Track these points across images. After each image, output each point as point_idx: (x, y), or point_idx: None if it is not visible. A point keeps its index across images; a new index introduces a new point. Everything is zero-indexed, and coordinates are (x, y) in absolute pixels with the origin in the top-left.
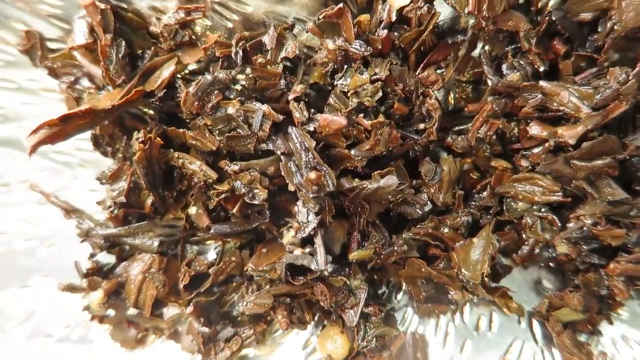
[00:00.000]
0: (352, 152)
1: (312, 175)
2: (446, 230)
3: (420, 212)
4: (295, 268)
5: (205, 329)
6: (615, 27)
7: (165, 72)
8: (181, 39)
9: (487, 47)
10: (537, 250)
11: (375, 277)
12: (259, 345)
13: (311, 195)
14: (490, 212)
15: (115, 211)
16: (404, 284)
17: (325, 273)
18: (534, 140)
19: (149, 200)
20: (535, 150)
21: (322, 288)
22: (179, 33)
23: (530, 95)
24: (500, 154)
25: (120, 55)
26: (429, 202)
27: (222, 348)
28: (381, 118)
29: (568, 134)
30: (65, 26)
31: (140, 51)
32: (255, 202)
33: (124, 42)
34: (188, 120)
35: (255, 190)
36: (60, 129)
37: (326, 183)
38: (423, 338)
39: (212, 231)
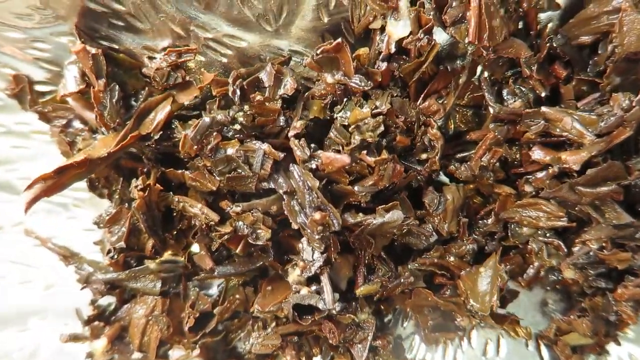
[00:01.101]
0: (356, 188)
1: (317, 216)
2: (452, 258)
3: (425, 243)
4: (303, 307)
5: None
6: (616, 50)
7: (161, 113)
8: (174, 80)
9: (486, 73)
10: (542, 273)
11: (382, 307)
12: None
13: (316, 236)
14: (495, 237)
15: (115, 256)
16: (410, 311)
17: (333, 312)
18: (536, 165)
19: (150, 243)
20: (539, 175)
21: (330, 326)
22: (172, 75)
23: (532, 121)
24: (503, 179)
25: (114, 100)
26: (434, 233)
27: None
28: (385, 154)
29: (572, 159)
30: (54, 69)
31: (133, 91)
32: (259, 242)
33: (117, 86)
34: (186, 160)
35: (259, 231)
36: (55, 181)
37: (331, 223)
38: None
39: (215, 273)
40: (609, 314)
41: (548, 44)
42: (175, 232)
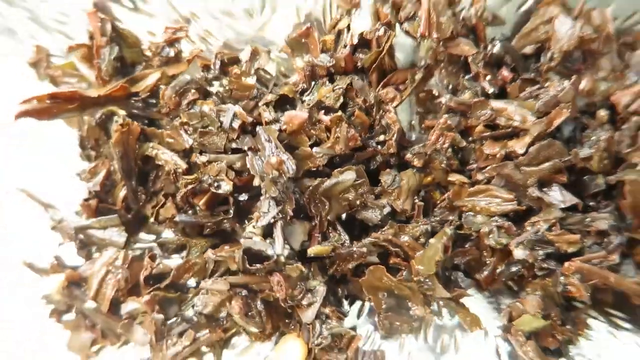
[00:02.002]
0: (314, 149)
1: (273, 159)
2: (406, 238)
3: (379, 217)
4: (254, 257)
5: (160, 316)
6: (555, 56)
7: (151, 78)
8: (167, 54)
9: (442, 73)
10: (499, 269)
11: (339, 290)
12: None
13: (272, 188)
14: (450, 226)
15: (90, 201)
16: (366, 303)
17: (282, 259)
18: (490, 160)
19: (122, 194)
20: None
21: (279, 278)
22: (165, 49)
23: (481, 112)
24: (458, 170)
25: (112, 57)
26: (387, 205)
27: (175, 342)
28: (340, 113)
29: (518, 144)
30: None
31: (131, 63)
32: (221, 192)
33: (117, 47)
34: (166, 125)
35: (222, 182)
36: (47, 107)
37: (286, 169)
38: (383, 354)
39: (176, 219)
40: (557, 286)
41: (493, 48)
42: (148, 191)
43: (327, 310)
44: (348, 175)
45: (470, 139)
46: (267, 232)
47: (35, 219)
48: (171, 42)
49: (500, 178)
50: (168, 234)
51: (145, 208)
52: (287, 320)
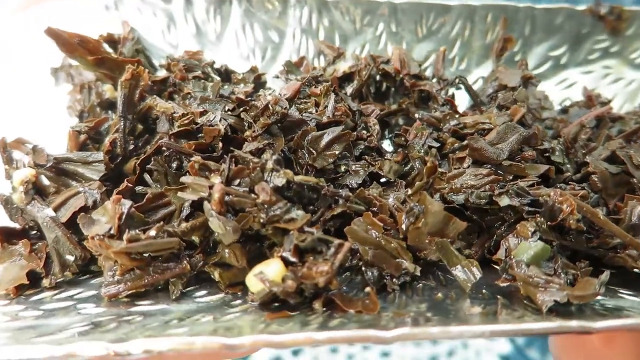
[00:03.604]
0: (304, 115)
1: (269, 97)
2: (391, 199)
3: (363, 177)
4: None
5: (128, 202)
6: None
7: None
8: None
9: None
10: (487, 245)
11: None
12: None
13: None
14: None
15: (80, 135)
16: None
17: (269, 164)
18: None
19: (111, 138)
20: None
21: (264, 185)
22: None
23: (450, 124)
24: None
25: (135, 48)
26: (370, 165)
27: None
28: (327, 85)
29: (488, 136)
30: None
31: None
32: (213, 127)
33: (139, 46)
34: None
35: (215, 124)
36: (72, 43)
37: (281, 105)
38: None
39: (162, 142)
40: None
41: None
42: (137, 143)
43: (312, 229)
44: (333, 131)
45: (444, 152)
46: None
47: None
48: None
49: (472, 157)
50: None
51: (128, 162)
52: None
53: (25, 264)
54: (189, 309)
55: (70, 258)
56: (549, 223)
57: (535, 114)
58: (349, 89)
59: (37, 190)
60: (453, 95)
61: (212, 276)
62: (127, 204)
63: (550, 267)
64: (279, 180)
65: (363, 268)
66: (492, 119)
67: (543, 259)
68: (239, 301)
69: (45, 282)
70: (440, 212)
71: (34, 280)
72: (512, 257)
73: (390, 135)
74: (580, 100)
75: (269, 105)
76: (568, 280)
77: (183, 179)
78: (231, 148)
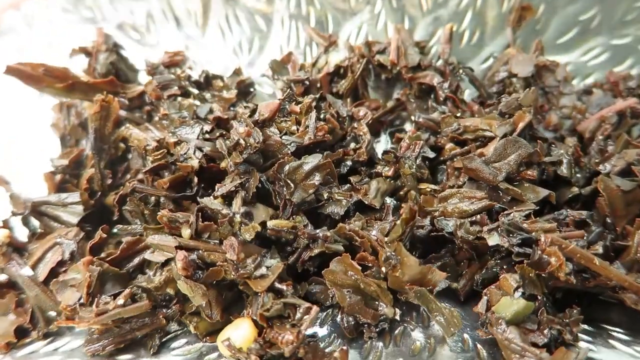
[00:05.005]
0: (283, 137)
1: (241, 129)
2: (374, 232)
3: (345, 208)
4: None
5: (96, 268)
6: (514, 81)
7: (140, 86)
8: (162, 73)
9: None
10: (476, 277)
11: (299, 290)
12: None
13: (237, 157)
14: (422, 228)
15: (55, 175)
16: (330, 312)
17: (237, 218)
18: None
19: (87, 174)
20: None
21: (232, 241)
22: (161, 69)
23: (449, 128)
24: (428, 180)
25: (108, 61)
26: (353, 194)
27: (107, 302)
28: (308, 99)
29: (487, 149)
30: None
31: (125, 80)
32: (187, 164)
33: (115, 56)
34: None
35: (189, 159)
36: (38, 75)
37: (253, 139)
38: (345, 352)
39: (135, 186)
40: (535, 265)
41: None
42: (114, 176)
43: (282, 286)
44: (314, 159)
45: (442, 158)
46: (227, 204)
47: None
48: (168, 65)
49: (468, 174)
50: None
51: (108, 196)
52: (236, 311)
53: (13, 318)
54: None
55: (53, 314)
56: (537, 272)
57: (552, 101)
58: (341, 87)
59: (14, 248)
60: (457, 87)
61: (188, 328)
62: (95, 270)
63: (534, 321)
64: (248, 235)
65: (339, 316)
66: (493, 127)
67: (525, 316)
68: (214, 355)
69: (34, 335)
70: (415, 267)
71: (22, 332)
72: (492, 312)
73: (389, 131)
74: (605, 83)
75: (241, 140)
76: (552, 336)
77: (149, 240)
78: (199, 200)
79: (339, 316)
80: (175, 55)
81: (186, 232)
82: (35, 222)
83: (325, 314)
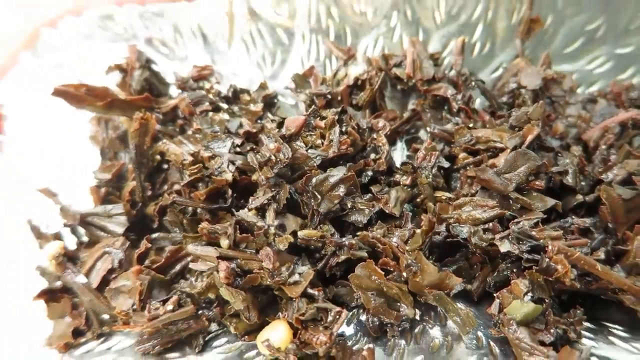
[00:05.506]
0: (309, 151)
1: (272, 145)
2: (395, 239)
3: (368, 217)
4: (245, 232)
5: (146, 277)
6: (523, 92)
7: (173, 100)
8: (191, 87)
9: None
10: (489, 280)
11: (327, 293)
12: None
13: (268, 173)
14: (439, 234)
15: (101, 188)
16: (354, 312)
17: (272, 230)
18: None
19: (130, 187)
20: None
21: (268, 251)
22: (190, 82)
23: (462, 139)
24: (443, 189)
25: (142, 78)
26: (375, 204)
27: (157, 307)
28: (331, 116)
29: (498, 160)
30: None
31: (158, 94)
32: (220, 178)
33: (148, 72)
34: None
35: (223, 172)
36: (80, 95)
37: (283, 154)
38: (372, 351)
39: (175, 199)
40: (543, 271)
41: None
42: (153, 188)
43: (314, 291)
44: (339, 172)
45: (455, 167)
46: (261, 216)
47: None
48: (197, 79)
49: (481, 184)
50: None
51: (148, 206)
52: (271, 313)
53: (69, 321)
54: None
55: (106, 316)
56: (544, 277)
57: (558, 110)
58: (360, 99)
59: (68, 258)
60: (470, 98)
61: (228, 329)
62: (145, 279)
63: (541, 321)
64: (282, 245)
65: (365, 316)
66: (504, 139)
67: (534, 317)
68: (254, 352)
69: (89, 335)
70: (434, 273)
71: (78, 333)
72: (504, 313)
73: (405, 139)
74: (609, 92)
75: (272, 156)
76: (558, 335)
77: (192, 250)
78: (235, 211)
79: (364, 316)
80: (203, 70)
81: (225, 242)
82: (80, 230)
83: (351, 314)
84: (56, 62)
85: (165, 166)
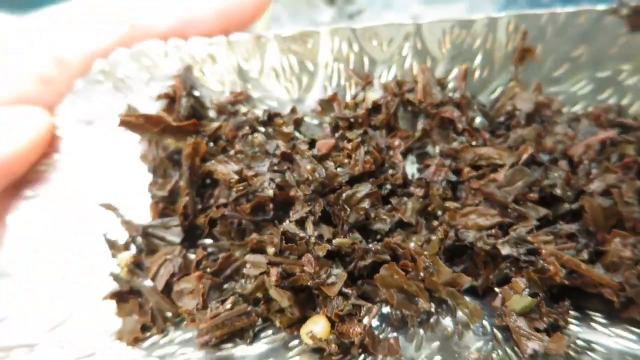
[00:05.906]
0: (338, 169)
1: (308, 166)
2: (412, 244)
3: (389, 225)
4: (289, 241)
5: (208, 281)
6: (518, 114)
7: (215, 124)
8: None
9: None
10: (492, 277)
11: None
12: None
13: (306, 190)
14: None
15: (159, 204)
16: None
17: (312, 239)
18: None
19: (183, 201)
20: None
21: (309, 258)
22: (227, 107)
23: (467, 156)
24: (452, 199)
25: (189, 104)
26: (395, 214)
27: (217, 307)
28: (357, 139)
29: (498, 175)
30: None
31: (199, 117)
32: (264, 194)
33: (192, 98)
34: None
35: (265, 189)
36: (139, 123)
37: (318, 174)
38: (397, 340)
39: (225, 213)
40: (538, 270)
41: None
42: (203, 202)
43: (347, 290)
44: (364, 187)
45: (461, 179)
46: (299, 226)
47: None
48: (234, 103)
49: (484, 196)
50: None
51: (198, 218)
52: (309, 308)
53: (137, 318)
54: (260, 352)
55: (169, 314)
56: (539, 275)
57: (547, 128)
58: (377, 120)
59: (136, 265)
60: (473, 120)
61: (273, 323)
62: (207, 283)
63: (536, 312)
64: (321, 252)
65: (388, 309)
66: (503, 157)
67: (530, 308)
68: (296, 341)
69: (154, 330)
70: (449, 274)
71: (145, 328)
72: (506, 306)
73: (416, 153)
74: (590, 113)
75: (308, 176)
76: (550, 322)
77: (246, 257)
78: (278, 221)
79: (387, 309)
80: (238, 95)
81: (271, 250)
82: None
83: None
84: (106, 89)
85: (208, 181)
